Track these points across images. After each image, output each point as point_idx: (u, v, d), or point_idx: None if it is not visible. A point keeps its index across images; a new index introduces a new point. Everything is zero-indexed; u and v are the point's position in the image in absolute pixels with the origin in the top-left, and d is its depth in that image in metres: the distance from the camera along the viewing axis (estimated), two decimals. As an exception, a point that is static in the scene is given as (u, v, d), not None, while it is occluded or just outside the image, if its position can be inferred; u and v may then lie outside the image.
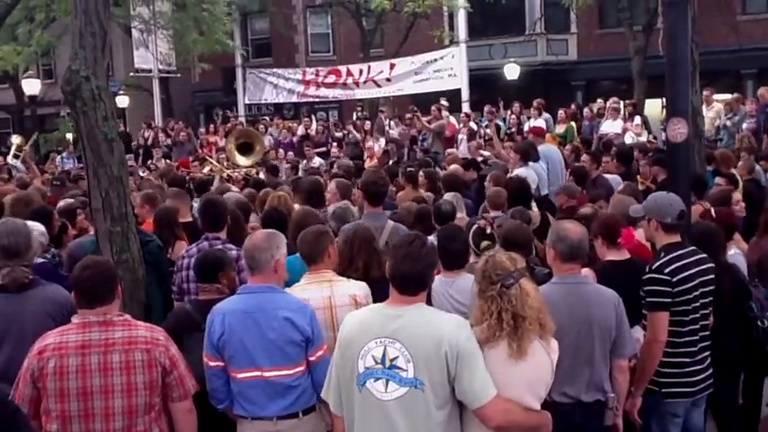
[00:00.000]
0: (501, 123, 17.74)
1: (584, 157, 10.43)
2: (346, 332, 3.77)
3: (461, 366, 3.50)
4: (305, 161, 16.58)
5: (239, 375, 4.38)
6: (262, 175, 13.23)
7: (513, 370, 3.59)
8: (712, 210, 6.70)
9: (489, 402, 3.52)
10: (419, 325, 3.58)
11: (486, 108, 18.10)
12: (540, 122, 16.00)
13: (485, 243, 5.52)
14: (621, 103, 16.95)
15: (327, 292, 4.69)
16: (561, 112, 16.84)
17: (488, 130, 16.90)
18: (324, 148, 18.67)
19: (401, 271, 3.65)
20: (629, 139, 15.07)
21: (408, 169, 10.18)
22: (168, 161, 18.29)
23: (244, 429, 4.45)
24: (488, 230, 5.78)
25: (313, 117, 21.86)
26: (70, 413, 3.87)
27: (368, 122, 19.30)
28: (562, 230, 4.52)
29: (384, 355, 3.56)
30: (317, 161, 16.56)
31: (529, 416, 3.65)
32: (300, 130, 20.38)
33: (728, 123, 14.85)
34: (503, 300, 3.60)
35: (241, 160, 15.49)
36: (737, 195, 7.35)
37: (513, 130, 17.18)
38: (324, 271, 4.81)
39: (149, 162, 18.96)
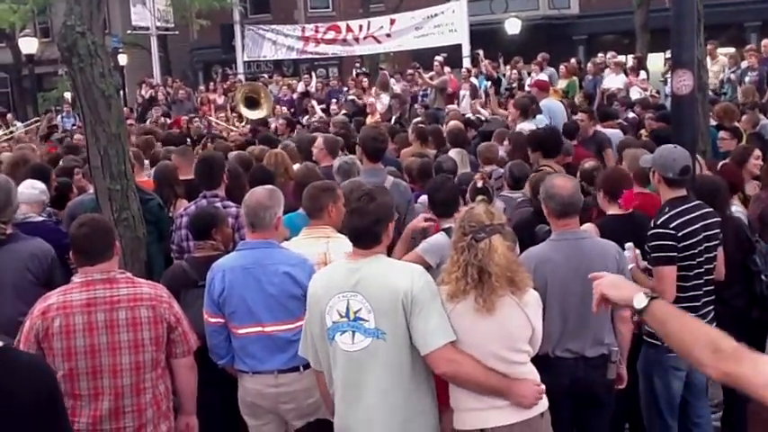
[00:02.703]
0: (502, 77, 17.66)
1: (580, 115, 10.28)
2: (312, 290, 3.86)
3: (415, 313, 3.56)
4: (306, 117, 16.48)
5: (240, 331, 4.40)
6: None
7: (482, 324, 3.60)
8: (719, 165, 6.61)
9: (438, 349, 3.55)
10: (377, 276, 3.65)
11: (486, 63, 17.98)
12: (542, 77, 15.87)
13: (479, 197, 5.52)
14: (625, 57, 16.82)
15: (323, 248, 4.65)
16: (562, 68, 16.73)
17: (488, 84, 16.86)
18: (324, 105, 18.58)
19: (351, 226, 3.78)
20: (635, 93, 14.97)
21: (419, 125, 10.08)
22: (167, 118, 18.20)
23: (245, 384, 4.49)
24: (479, 185, 5.76)
25: (313, 74, 21.71)
26: (78, 371, 3.87)
27: (366, 79, 19.16)
28: (551, 187, 4.47)
29: (348, 308, 3.64)
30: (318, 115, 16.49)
31: (486, 375, 3.62)
32: (300, 87, 20.26)
33: (732, 77, 14.75)
34: (470, 253, 3.60)
35: (248, 113, 15.25)
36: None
37: (515, 85, 17.06)
38: (322, 227, 4.78)
39: (148, 120, 18.86)
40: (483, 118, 12.94)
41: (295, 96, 19.64)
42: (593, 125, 9.93)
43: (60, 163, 8.75)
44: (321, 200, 4.81)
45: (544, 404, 3.79)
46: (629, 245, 4.84)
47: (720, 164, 6.78)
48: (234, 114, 14.92)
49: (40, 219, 5.94)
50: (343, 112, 16.35)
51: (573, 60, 18.63)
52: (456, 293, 3.61)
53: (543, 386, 3.75)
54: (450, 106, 15.34)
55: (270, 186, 4.76)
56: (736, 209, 5.96)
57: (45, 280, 4.97)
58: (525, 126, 9.41)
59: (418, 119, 12.55)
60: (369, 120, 14.65)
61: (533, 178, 5.91)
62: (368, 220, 3.70)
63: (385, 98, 16.66)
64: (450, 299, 3.62)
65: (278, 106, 18.41)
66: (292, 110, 17.88)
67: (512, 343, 3.67)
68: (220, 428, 4.86)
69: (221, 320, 4.43)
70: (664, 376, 4.87)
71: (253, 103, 15.34)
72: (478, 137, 10.33)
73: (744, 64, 14.89)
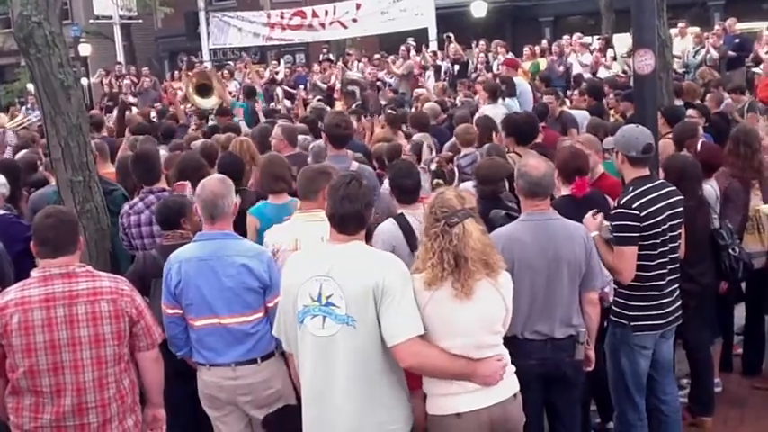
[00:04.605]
0: (470, 61, 17.70)
1: (546, 97, 10.34)
2: (286, 273, 3.83)
3: (385, 303, 3.53)
4: (273, 104, 16.38)
5: (197, 323, 4.37)
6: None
7: (461, 309, 3.59)
8: (699, 144, 6.60)
9: (403, 342, 3.52)
10: (352, 262, 3.62)
11: (455, 46, 18.00)
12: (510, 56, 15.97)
13: (435, 181, 5.51)
14: (591, 38, 16.93)
15: (320, 231, 4.44)
16: (526, 49, 16.79)
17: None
18: (293, 91, 18.48)
19: (340, 211, 3.68)
20: (603, 73, 15.09)
21: (389, 111, 10.07)
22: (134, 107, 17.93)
23: (203, 376, 4.46)
24: (433, 167, 5.74)
25: (281, 61, 21.60)
26: (38, 367, 3.81)
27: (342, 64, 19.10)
28: (523, 166, 4.48)
29: (320, 293, 3.60)
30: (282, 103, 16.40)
31: (451, 363, 3.63)
32: (267, 75, 20.13)
33: (695, 56, 14.92)
34: (444, 239, 3.58)
35: (203, 102, 14.85)
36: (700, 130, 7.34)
37: (482, 67, 17.09)
38: (317, 210, 4.74)
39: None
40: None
41: (262, 82, 19.48)
42: (559, 106, 10.03)
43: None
44: (317, 182, 4.80)
45: (515, 385, 3.82)
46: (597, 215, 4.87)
47: (699, 143, 6.81)
48: (191, 107, 14.38)
49: (1, 212, 5.86)
50: (318, 98, 16.25)
51: (544, 42, 18.70)
52: (433, 281, 3.58)
53: (505, 360, 3.75)
54: (418, 90, 15.32)
55: (219, 175, 4.72)
56: (709, 187, 6.02)
57: None
58: (490, 109, 9.42)
59: (388, 103, 12.57)
60: (337, 106, 14.58)
61: (476, 165, 5.91)
62: (358, 204, 3.67)
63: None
64: (427, 287, 3.60)
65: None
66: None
67: (491, 325, 3.69)
68: (190, 421, 4.84)
69: (179, 312, 4.39)
70: (630, 355, 4.89)
71: (205, 90, 14.79)
72: (448, 120, 10.34)
73: (708, 42, 15.05)
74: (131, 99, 19.23)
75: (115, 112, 14.97)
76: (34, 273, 3.91)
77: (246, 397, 4.39)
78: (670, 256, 4.88)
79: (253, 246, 4.48)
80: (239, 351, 4.33)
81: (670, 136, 7.30)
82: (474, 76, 16.92)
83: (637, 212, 4.68)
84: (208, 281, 4.29)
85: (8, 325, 3.78)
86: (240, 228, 5.02)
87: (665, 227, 4.79)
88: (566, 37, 17.92)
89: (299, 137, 7.86)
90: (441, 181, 5.54)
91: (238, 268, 4.28)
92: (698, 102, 9.95)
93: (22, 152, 9.16)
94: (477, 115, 9.36)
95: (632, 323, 4.86)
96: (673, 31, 12.89)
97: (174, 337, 4.45)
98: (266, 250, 4.46)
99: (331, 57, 21.09)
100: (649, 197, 4.75)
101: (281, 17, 23.01)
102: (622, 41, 17.28)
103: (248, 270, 4.28)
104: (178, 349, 4.48)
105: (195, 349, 4.42)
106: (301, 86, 18.58)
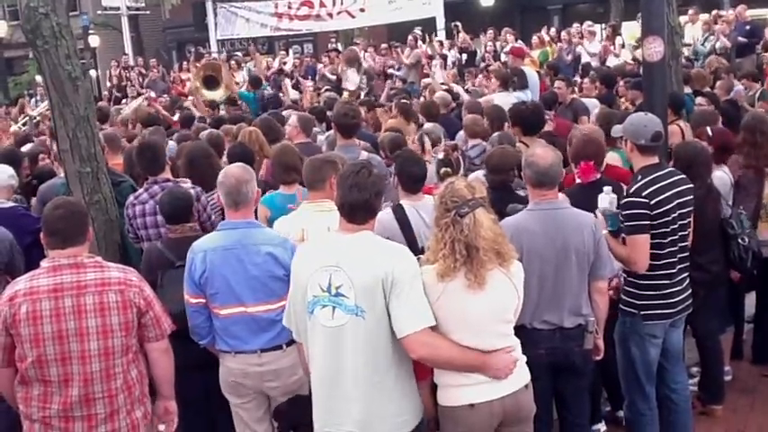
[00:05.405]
0: (478, 50, 17.65)
1: (558, 83, 10.30)
2: (296, 262, 3.82)
3: (394, 295, 3.52)
4: (280, 94, 16.34)
5: (222, 312, 4.37)
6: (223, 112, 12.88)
7: (474, 300, 3.58)
8: (709, 130, 6.55)
9: (412, 333, 3.51)
10: (362, 253, 3.60)
11: (463, 35, 17.95)
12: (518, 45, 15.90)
13: (443, 170, 5.48)
14: (601, 26, 16.88)
15: (327, 222, 4.50)
16: (535, 38, 16.73)
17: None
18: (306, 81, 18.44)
19: (349, 200, 3.66)
20: (612, 60, 15.04)
21: (402, 101, 10.05)
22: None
23: (227, 364, 4.46)
24: (441, 155, 5.71)
25: (290, 51, 21.56)
26: (47, 357, 3.81)
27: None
28: (530, 156, 4.46)
29: (330, 283, 3.59)
30: (293, 94, 16.35)
31: (461, 354, 3.62)
32: (276, 65, 20.10)
33: (704, 44, 14.85)
34: (455, 229, 3.56)
35: (211, 95, 14.76)
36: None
37: (490, 56, 17.04)
38: (323, 200, 4.75)
39: (123, 102, 18.61)
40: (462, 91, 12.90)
41: (269, 73, 19.45)
42: (570, 93, 10.00)
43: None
44: (323, 171, 4.79)
45: (527, 375, 3.82)
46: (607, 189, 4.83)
47: (710, 129, 6.76)
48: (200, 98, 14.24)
49: (10, 204, 5.88)
50: (326, 88, 16.19)
51: (553, 30, 18.62)
52: (447, 272, 3.56)
53: (516, 354, 3.74)
54: (426, 80, 15.27)
55: (240, 163, 4.71)
56: (722, 173, 5.98)
57: (4, 266, 4.92)
58: (500, 97, 9.38)
59: (396, 93, 12.51)
60: (345, 96, 14.51)
61: (487, 155, 5.89)
62: (367, 193, 3.65)
63: (353, 75, 16.45)
64: (440, 278, 3.58)
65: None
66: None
67: (503, 314, 3.68)
68: (203, 413, 4.85)
69: (202, 301, 4.40)
70: (640, 344, 4.87)
71: (212, 82, 14.61)
72: (457, 109, 10.30)
73: (716, 27, 14.97)
74: (148, 93, 19.16)
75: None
76: (43, 263, 3.92)
77: (273, 383, 4.40)
78: (680, 244, 4.85)
79: (277, 234, 4.50)
80: (265, 339, 4.35)
81: (678, 123, 7.26)
82: (483, 65, 16.88)
83: (647, 200, 4.65)
84: (234, 270, 4.30)
85: (17, 315, 3.78)
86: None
87: (675, 215, 4.76)
88: (575, 25, 17.85)
89: (306, 127, 7.85)
90: (449, 169, 5.50)
91: (264, 257, 4.30)
92: (707, 89, 9.88)
93: (28, 145, 9.20)
94: (483, 99, 9.32)
95: (642, 312, 4.84)
96: (683, 19, 12.84)
97: (198, 326, 4.46)
98: (289, 239, 4.46)
99: (338, 47, 21.03)
100: (659, 185, 4.72)
101: (289, 7, 22.93)
102: (631, 29, 17.22)
103: (274, 258, 4.30)
104: (201, 338, 4.49)
105: (219, 337, 4.43)
106: (309, 77, 18.53)
